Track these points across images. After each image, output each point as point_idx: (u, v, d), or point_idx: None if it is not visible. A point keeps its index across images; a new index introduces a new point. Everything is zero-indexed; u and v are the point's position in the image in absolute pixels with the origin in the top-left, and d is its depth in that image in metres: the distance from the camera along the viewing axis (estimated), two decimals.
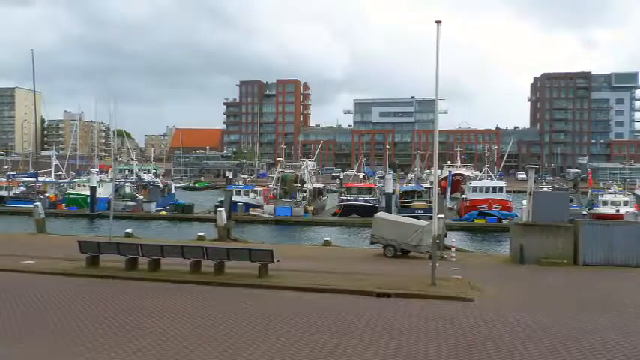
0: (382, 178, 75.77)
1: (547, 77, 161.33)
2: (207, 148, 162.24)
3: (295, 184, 56.74)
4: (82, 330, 12.69)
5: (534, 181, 31.40)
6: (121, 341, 11.80)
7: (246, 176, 77.41)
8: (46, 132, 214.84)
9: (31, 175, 73.16)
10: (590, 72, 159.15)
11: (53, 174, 71.88)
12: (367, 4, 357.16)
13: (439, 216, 22.68)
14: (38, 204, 38.75)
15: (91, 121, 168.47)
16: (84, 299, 16.01)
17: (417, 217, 35.18)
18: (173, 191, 69.47)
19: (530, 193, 27.73)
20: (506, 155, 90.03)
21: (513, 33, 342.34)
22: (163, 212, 55.29)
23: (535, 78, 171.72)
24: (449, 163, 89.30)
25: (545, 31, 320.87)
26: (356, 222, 48.86)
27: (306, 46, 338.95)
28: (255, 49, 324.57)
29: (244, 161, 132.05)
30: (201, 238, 32.70)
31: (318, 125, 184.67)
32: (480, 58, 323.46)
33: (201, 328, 12.86)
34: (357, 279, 18.97)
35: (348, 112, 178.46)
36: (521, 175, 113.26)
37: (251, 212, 52.36)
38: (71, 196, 59.89)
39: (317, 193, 61.62)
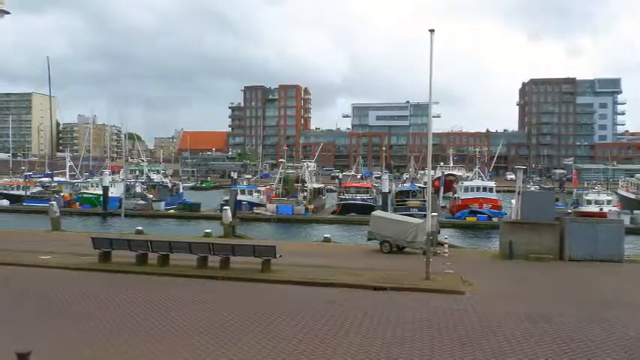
0: (379, 178, 75.61)
1: (534, 83, 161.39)
2: (213, 149, 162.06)
3: (296, 184, 56.75)
4: (94, 320, 12.70)
5: (522, 181, 31.41)
6: (131, 332, 11.82)
7: (250, 176, 77.46)
8: (60, 135, 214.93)
9: (46, 176, 73.14)
10: (575, 78, 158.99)
11: (68, 174, 71.99)
12: (367, 10, 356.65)
13: (432, 214, 22.68)
14: (53, 203, 38.73)
15: (104, 125, 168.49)
16: (95, 292, 16.00)
17: (411, 215, 35.15)
18: (181, 191, 69.61)
19: (518, 193, 27.76)
20: (496, 156, 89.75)
21: (504, 40, 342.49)
22: (172, 211, 55.25)
23: (523, 83, 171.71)
24: (442, 164, 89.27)
25: (533, 38, 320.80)
26: (354, 220, 48.73)
27: (307, 51, 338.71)
28: (258, 54, 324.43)
29: (248, 162, 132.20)
30: (207, 235, 32.71)
31: (318, 128, 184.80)
32: (472, 64, 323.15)
33: (208, 320, 12.85)
34: (355, 274, 18.96)
35: (347, 116, 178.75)
36: (510, 176, 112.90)
37: (255, 211, 52.33)
38: (85, 195, 59.88)
39: (317, 193, 61.54)
